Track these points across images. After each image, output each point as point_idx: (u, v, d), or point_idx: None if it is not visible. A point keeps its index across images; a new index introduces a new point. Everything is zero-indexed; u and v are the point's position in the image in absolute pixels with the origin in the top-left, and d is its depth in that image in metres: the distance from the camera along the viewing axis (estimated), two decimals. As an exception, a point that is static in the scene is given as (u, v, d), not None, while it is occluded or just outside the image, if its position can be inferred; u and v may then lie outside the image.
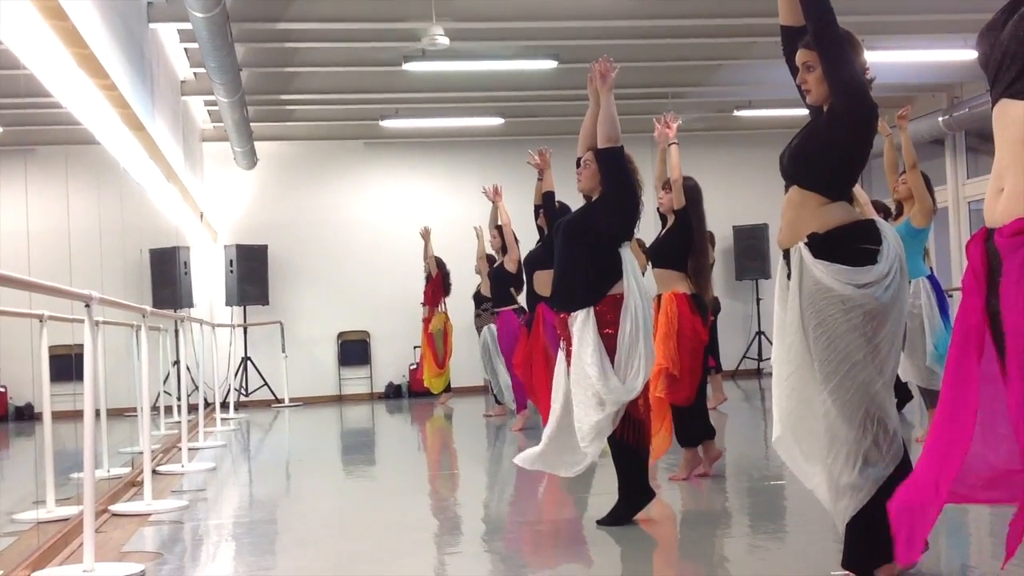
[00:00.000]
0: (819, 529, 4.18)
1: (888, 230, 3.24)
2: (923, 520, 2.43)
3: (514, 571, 4.10)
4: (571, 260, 4.57)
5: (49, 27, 5.12)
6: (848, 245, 3.12)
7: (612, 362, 4.37)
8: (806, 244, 3.21)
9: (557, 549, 4.53)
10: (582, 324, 4.40)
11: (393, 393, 14.53)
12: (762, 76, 12.18)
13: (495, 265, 9.76)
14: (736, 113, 13.70)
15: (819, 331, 3.13)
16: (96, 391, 4.45)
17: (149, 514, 5.46)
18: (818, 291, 3.15)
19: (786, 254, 3.34)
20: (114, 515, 5.49)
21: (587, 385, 4.36)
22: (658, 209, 6.01)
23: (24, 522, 5.25)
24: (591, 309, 4.42)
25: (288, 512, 5.76)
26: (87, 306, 4.02)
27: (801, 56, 3.36)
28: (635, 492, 4.61)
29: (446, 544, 4.79)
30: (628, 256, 4.56)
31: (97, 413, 5.83)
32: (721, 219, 13.43)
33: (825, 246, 3.18)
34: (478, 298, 10.78)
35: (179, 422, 9.97)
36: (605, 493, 5.31)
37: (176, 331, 12.07)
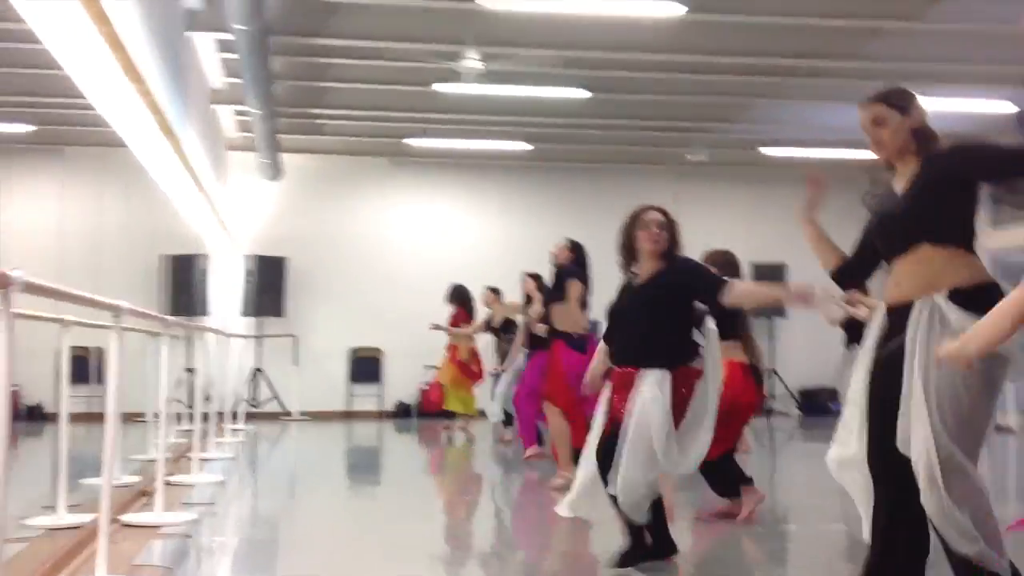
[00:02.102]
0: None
1: None
2: None
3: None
4: (649, 325, 4.45)
5: (94, 29, 5.11)
6: (995, 299, 2.93)
7: (676, 428, 4.31)
8: (948, 298, 3.10)
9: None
10: (657, 384, 4.28)
11: (403, 412, 14.47)
12: (789, 115, 12.18)
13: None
14: (762, 150, 13.67)
15: (947, 383, 2.98)
16: (118, 401, 4.40)
17: (159, 526, 5.41)
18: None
19: (896, 312, 3.23)
20: (124, 525, 5.43)
21: (642, 442, 4.25)
22: None
23: (35, 528, 5.20)
24: (668, 372, 4.32)
25: (293, 533, 5.69)
26: (116, 315, 3.98)
27: (870, 112, 3.37)
28: (666, 540, 4.51)
29: (447, 571, 4.73)
30: (710, 329, 4.51)
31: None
32: (740, 256, 13.35)
33: (973, 300, 3.05)
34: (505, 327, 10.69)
35: (188, 431, 9.95)
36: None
37: (190, 338, 12.06)
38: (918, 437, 2.99)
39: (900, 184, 3.39)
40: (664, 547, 4.50)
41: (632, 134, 13.54)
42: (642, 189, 15.04)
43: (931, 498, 2.94)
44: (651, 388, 4.28)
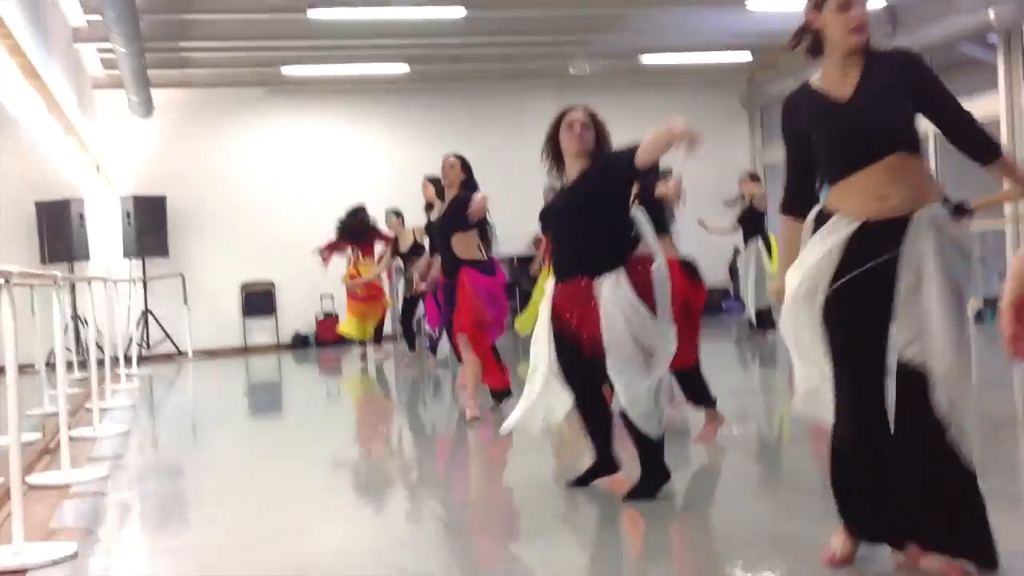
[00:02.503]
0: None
1: None
2: None
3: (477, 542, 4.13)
4: (589, 226, 4.32)
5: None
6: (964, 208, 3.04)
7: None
8: (945, 208, 3.07)
9: (506, 513, 4.57)
10: (613, 288, 4.18)
11: (300, 343, 14.38)
12: (669, 21, 12.24)
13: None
14: (642, 59, 13.76)
15: (951, 286, 3.00)
16: (12, 366, 4.28)
17: (69, 485, 5.32)
18: (957, 251, 3.03)
19: (882, 226, 3.03)
20: (32, 487, 5.32)
21: (630, 349, 4.15)
22: None
23: (-63, 497, 5.06)
24: (622, 272, 4.22)
25: (206, 481, 5.64)
26: (6, 282, 3.86)
27: None
28: (659, 466, 4.33)
29: (376, 509, 4.79)
30: (641, 217, 4.41)
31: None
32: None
33: (958, 209, 3.24)
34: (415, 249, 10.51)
35: (82, 379, 9.73)
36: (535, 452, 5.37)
37: (73, 285, 11.72)
38: (938, 339, 2.96)
39: (836, 85, 3.16)
40: (662, 469, 4.34)
41: (512, 50, 13.46)
42: (526, 106, 15.06)
43: (946, 395, 2.95)
44: (611, 292, 4.17)
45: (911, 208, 3.01)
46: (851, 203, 3.07)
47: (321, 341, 14.18)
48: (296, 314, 14.37)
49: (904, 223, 3.00)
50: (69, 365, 9.93)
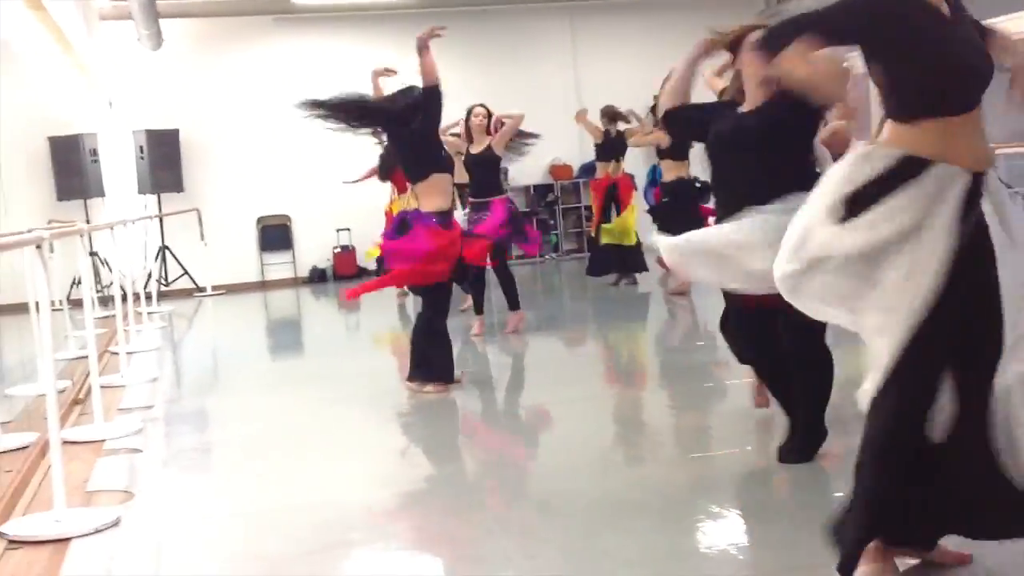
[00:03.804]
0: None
1: None
2: None
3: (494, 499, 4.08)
4: (774, 157, 3.86)
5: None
6: None
7: None
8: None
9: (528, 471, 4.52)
10: None
11: (318, 277, 14.32)
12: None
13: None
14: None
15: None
16: (47, 329, 4.21)
17: (103, 441, 5.28)
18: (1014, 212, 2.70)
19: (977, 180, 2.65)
20: (66, 443, 5.28)
21: None
22: None
23: (-28, 455, 5.04)
24: None
25: (240, 430, 5.59)
26: (38, 247, 3.76)
27: None
28: (820, 424, 4.04)
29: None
30: (826, 153, 4.09)
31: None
32: (644, 91, 13.38)
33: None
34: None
35: (103, 317, 9.70)
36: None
37: (88, 221, 11.64)
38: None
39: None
40: (820, 432, 4.04)
41: (526, -27, 13.16)
42: (538, 30, 14.81)
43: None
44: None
45: (990, 164, 2.70)
46: (958, 149, 2.61)
47: (339, 275, 14.12)
48: (313, 248, 14.28)
49: (982, 176, 2.66)
50: (91, 303, 9.86)
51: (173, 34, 13.20)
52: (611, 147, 10.79)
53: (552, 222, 15.10)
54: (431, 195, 5.98)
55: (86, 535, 3.79)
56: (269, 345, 9.84)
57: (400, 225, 6.03)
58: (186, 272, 13.50)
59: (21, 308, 6.48)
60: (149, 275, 12.65)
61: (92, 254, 12.43)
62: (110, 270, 10.65)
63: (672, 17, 14.28)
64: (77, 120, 12.89)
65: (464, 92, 14.19)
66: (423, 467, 4.79)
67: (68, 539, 3.76)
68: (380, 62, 13.86)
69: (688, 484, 4.05)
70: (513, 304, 8.21)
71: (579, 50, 14.82)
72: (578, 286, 12.25)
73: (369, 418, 5.74)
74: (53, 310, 8.34)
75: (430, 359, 6.01)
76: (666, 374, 6.67)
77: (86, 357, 6.15)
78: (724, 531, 3.52)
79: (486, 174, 8.13)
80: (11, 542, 3.77)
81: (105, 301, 10.86)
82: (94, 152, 12.86)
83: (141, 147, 13.25)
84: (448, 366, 6.10)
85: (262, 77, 13.98)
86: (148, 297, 11.71)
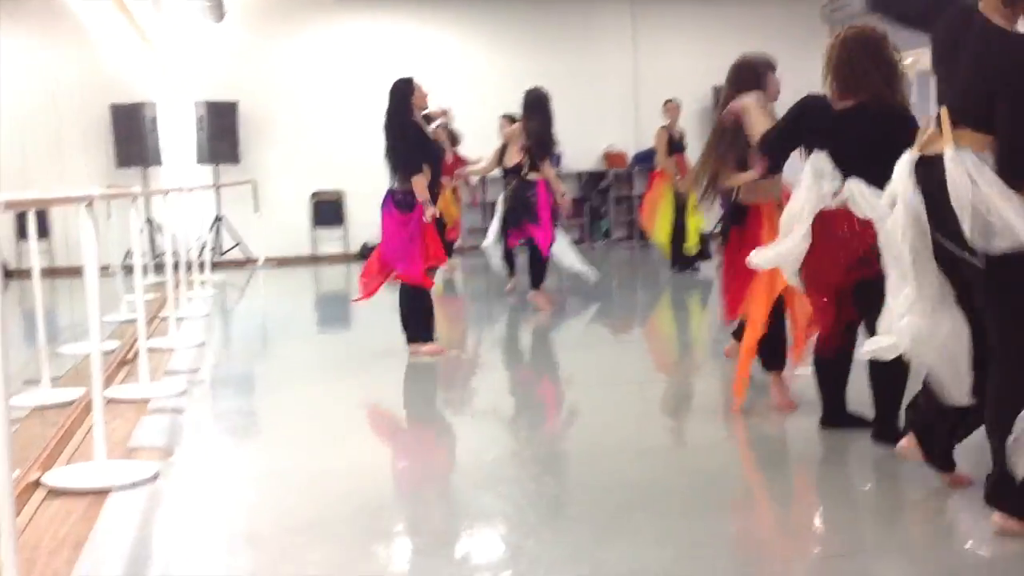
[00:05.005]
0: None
1: None
2: None
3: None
4: None
5: None
6: None
7: None
8: None
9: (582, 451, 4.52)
10: None
11: (368, 253, 14.34)
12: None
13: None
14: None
15: None
16: (93, 284, 4.28)
17: (147, 400, 5.37)
18: None
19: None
20: (111, 400, 5.38)
21: None
22: None
23: (21, 408, 5.14)
24: None
25: (283, 398, 5.66)
26: (88, 205, 3.82)
27: None
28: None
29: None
30: None
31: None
32: (705, 80, 13.30)
33: None
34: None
35: (156, 283, 9.85)
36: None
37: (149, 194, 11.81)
38: None
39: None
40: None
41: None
42: (598, 16, 14.73)
43: None
44: None
45: None
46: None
47: (390, 252, 14.17)
48: (365, 224, 14.32)
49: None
50: (144, 269, 10.02)
51: (236, 7, 13.33)
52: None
53: (603, 209, 15.05)
54: None
55: (124, 488, 3.86)
56: (317, 318, 9.93)
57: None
58: (239, 243, 13.65)
59: (79, 272, 6.59)
60: (204, 245, 12.82)
61: (148, 221, 12.64)
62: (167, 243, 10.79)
63: (734, 8, 14.15)
64: (139, 89, 13.07)
65: (523, 77, 14.23)
66: (458, 440, 4.81)
67: (106, 491, 3.83)
68: (441, 37, 13.95)
69: (721, 469, 4.04)
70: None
71: (639, 38, 14.73)
72: (627, 273, 12.23)
73: (409, 390, 5.77)
74: (109, 275, 8.55)
75: (407, 321, 6.46)
76: (710, 361, 6.62)
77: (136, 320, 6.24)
78: (754, 517, 3.50)
79: None
80: (51, 491, 3.86)
81: (160, 268, 11.01)
82: (154, 121, 13.04)
83: (201, 117, 13.39)
84: (419, 327, 6.46)
85: (322, 53, 14.06)
86: (201, 266, 11.87)
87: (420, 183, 6.33)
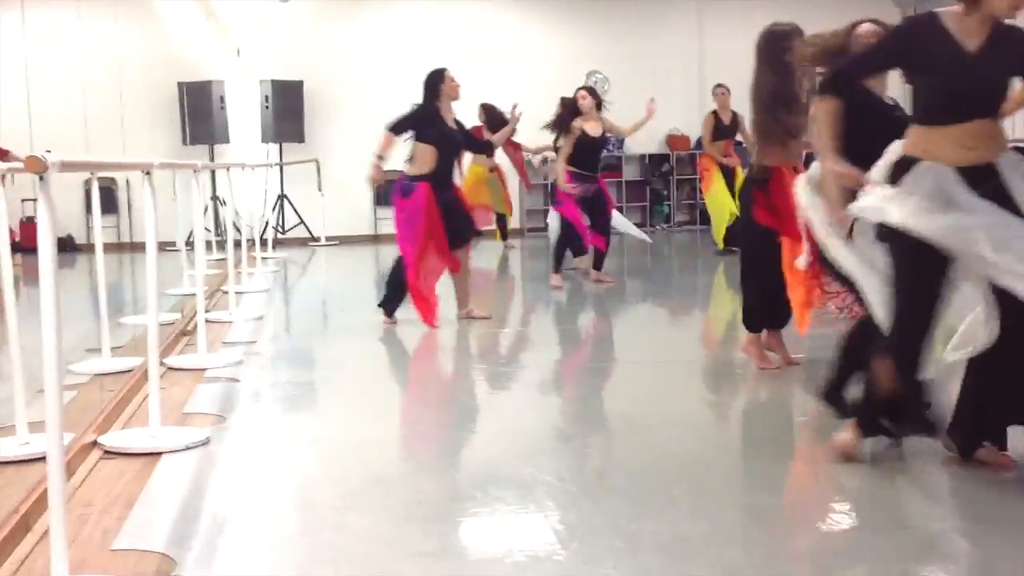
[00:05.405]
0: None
1: None
2: None
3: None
4: None
5: None
6: None
7: None
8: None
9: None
10: None
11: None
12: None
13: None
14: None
15: None
16: (152, 251, 4.37)
17: (204, 369, 5.50)
18: None
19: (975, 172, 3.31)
20: (169, 369, 5.52)
21: None
22: None
23: (82, 375, 5.29)
24: None
25: (338, 371, 5.76)
26: (147, 173, 3.92)
27: None
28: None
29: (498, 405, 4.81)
30: None
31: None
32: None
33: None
34: None
35: (220, 260, 10.02)
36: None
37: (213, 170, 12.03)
38: None
39: (968, 38, 3.31)
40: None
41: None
42: (660, 10, 14.62)
43: None
44: None
45: (991, 158, 3.31)
46: (940, 151, 3.29)
47: (449, 232, 14.25)
48: (426, 204, 14.43)
49: (988, 168, 3.29)
50: (208, 245, 10.23)
51: (303, -14, 13.47)
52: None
53: (666, 192, 14.97)
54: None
55: (176, 451, 3.97)
56: (375, 296, 9.99)
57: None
58: (302, 221, 13.82)
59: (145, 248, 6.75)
60: (267, 223, 13.01)
61: (214, 198, 12.87)
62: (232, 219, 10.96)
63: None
64: (207, 67, 13.29)
65: (587, 59, 14.30)
66: (504, 412, 4.84)
67: (159, 453, 3.94)
68: (510, 23, 13.96)
69: (761, 446, 4.03)
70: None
71: (705, 22, 14.61)
72: (688, 255, 12.17)
73: (460, 364, 5.83)
74: (174, 250, 8.69)
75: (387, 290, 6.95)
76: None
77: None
78: (793, 493, 3.48)
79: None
80: (107, 452, 3.97)
81: (223, 245, 11.19)
82: (222, 99, 13.27)
83: (267, 96, 13.57)
84: (392, 300, 6.92)
85: (385, 34, 14.15)
86: (264, 243, 12.06)
87: (385, 138, 7.07)
